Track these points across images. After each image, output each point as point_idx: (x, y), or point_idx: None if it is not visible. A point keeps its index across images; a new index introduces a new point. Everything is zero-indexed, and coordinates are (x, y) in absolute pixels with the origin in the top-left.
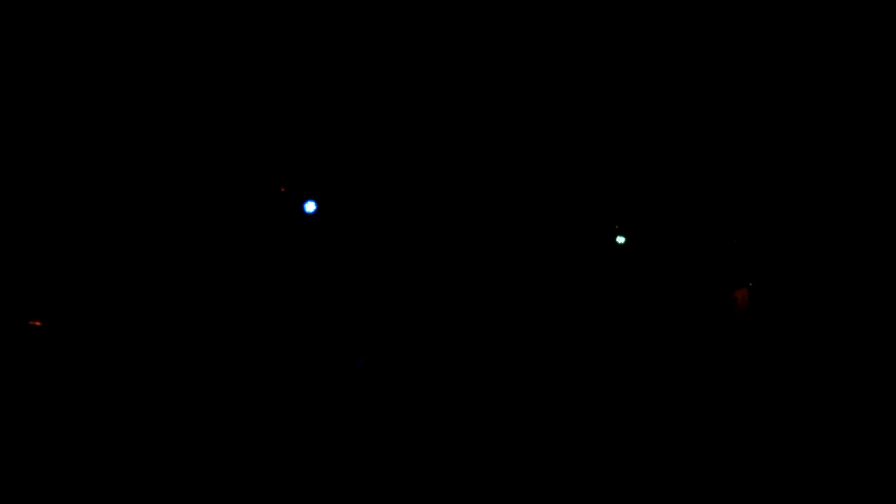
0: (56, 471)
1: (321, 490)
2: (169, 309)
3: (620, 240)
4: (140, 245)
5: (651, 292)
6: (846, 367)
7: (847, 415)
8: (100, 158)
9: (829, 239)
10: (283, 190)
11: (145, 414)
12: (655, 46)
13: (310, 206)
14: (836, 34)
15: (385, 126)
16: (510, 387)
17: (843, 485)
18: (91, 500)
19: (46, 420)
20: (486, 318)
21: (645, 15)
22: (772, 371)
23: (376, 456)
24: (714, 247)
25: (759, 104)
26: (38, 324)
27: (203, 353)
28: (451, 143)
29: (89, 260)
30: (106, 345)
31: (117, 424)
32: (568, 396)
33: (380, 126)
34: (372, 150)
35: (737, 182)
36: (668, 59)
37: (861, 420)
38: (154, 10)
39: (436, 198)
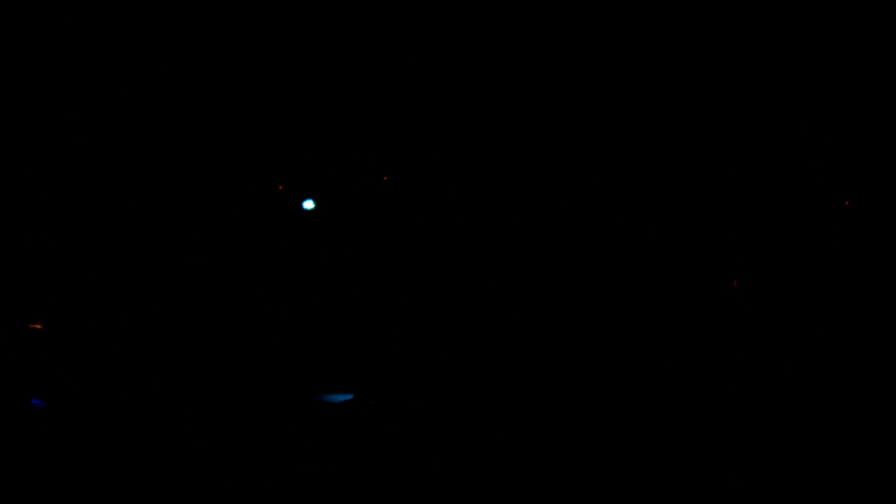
0: (56, 471)
1: (321, 490)
2: (169, 309)
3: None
4: (140, 245)
5: (649, 287)
6: (845, 360)
7: (847, 409)
8: (100, 158)
9: (826, 231)
10: (280, 188)
11: (145, 414)
12: (653, 45)
13: (308, 205)
14: (835, 34)
15: (384, 126)
16: (510, 386)
17: (843, 481)
18: (91, 500)
19: (46, 420)
20: (486, 317)
21: (644, 15)
22: (771, 366)
23: (376, 455)
24: (712, 240)
25: (753, 98)
26: (38, 326)
27: (203, 353)
28: (450, 142)
29: (89, 260)
30: (106, 345)
31: (117, 424)
32: (568, 394)
33: (379, 126)
34: (372, 150)
35: (734, 176)
36: (665, 57)
37: (860, 413)
38: (154, 10)
39: (435, 197)
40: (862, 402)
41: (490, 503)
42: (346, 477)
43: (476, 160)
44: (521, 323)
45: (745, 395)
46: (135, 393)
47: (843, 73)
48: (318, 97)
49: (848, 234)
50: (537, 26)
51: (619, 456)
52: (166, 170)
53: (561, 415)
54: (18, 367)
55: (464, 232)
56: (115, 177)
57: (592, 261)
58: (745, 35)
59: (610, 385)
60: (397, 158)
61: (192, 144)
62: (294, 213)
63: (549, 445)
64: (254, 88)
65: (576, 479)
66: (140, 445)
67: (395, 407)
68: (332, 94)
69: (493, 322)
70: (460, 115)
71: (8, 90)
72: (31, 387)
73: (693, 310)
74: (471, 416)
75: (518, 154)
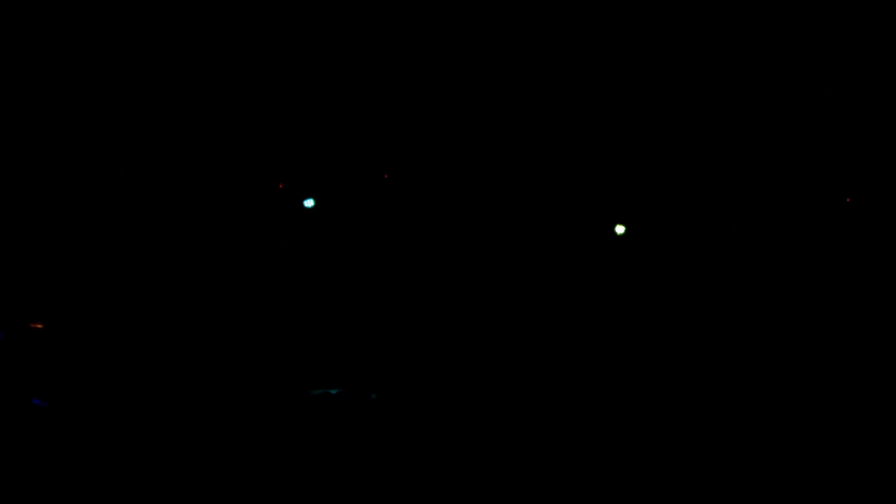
0: (56, 471)
1: (321, 490)
2: (168, 309)
3: (620, 229)
4: (140, 245)
5: (650, 286)
6: (845, 359)
7: (847, 409)
8: (100, 158)
9: (827, 229)
10: (280, 187)
11: (144, 414)
12: (654, 45)
13: (308, 204)
14: (835, 34)
15: (385, 126)
16: (511, 386)
17: (843, 481)
18: (91, 500)
19: (46, 420)
20: (486, 317)
21: (645, 15)
22: (771, 366)
23: (376, 456)
24: (711, 239)
25: (752, 97)
26: (39, 326)
27: (203, 353)
28: (450, 142)
29: (89, 260)
30: (106, 345)
31: (117, 425)
32: (568, 392)
33: (379, 126)
34: (372, 150)
35: (733, 174)
36: (666, 56)
37: (860, 413)
38: (154, 10)
39: (435, 197)
40: (862, 401)
41: (490, 502)
42: (345, 477)
43: (477, 159)
44: (521, 322)
45: (745, 395)
46: (135, 392)
47: (842, 72)
48: (318, 96)
49: (849, 231)
50: (537, 25)
51: (620, 455)
52: (166, 169)
53: (561, 413)
54: (18, 367)
55: (464, 231)
56: (114, 176)
57: (593, 260)
58: (745, 35)
59: (610, 384)
60: (398, 156)
61: (192, 144)
62: (294, 212)
63: (550, 445)
64: (254, 88)
65: (576, 478)
66: (140, 444)
67: (394, 405)
68: (331, 92)
69: (493, 322)
70: (461, 114)
71: (8, 90)
72: (31, 387)
73: (693, 309)
74: (470, 414)
75: (519, 153)
